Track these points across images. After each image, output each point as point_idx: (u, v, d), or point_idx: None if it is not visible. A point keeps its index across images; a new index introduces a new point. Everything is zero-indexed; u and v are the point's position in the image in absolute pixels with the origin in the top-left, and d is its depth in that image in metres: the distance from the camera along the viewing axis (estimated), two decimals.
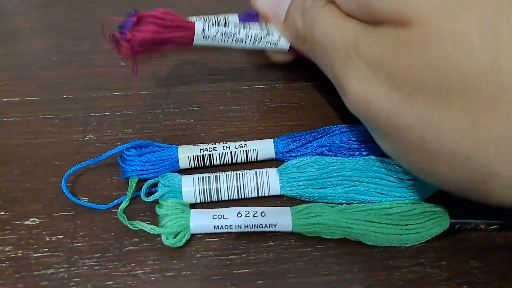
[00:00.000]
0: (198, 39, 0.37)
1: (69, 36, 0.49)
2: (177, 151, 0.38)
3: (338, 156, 0.38)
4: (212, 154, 0.38)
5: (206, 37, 0.36)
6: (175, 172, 0.38)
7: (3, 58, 0.47)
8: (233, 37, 0.37)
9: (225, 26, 0.37)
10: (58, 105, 0.43)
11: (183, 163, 0.38)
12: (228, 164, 0.39)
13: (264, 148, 0.39)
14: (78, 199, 0.36)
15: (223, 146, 0.38)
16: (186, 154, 0.38)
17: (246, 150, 0.38)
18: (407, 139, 0.28)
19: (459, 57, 0.23)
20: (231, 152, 0.38)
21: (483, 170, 0.26)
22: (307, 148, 0.39)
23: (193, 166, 0.38)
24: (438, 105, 0.25)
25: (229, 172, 0.36)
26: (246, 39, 0.37)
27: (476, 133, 0.24)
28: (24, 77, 0.45)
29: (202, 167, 0.39)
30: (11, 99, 0.43)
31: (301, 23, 0.35)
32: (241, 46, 0.38)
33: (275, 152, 0.39)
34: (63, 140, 0.40)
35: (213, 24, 0.37)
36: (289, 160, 0.38)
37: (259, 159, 0.39)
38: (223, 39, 0.37)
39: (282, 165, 0.37)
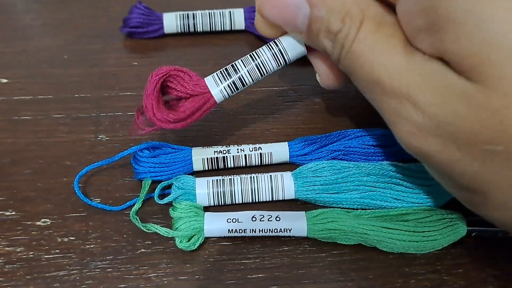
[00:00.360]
0: (220, 100, 0.36)
1: (82, 34, 0.49)
2: (191, 153, 0.37)
3: (353, 161, 0.38)
4: (226, 156, 0.38)
5: (224, 96, 0.36)
6: (189, 174, 0.37)
7: (15, 55, 0.47)
8: (248, 77, 0.36)
9: (236, 72, 0.35)
10: (69, 104, 0.42)
11: (197, 165, 0.37)
12: (242, 167, 0.38)
13: (279, 151, 0.38)
14: (90, 200, 0.36)
15: (238, 149, 0.38)
16: (200, 156, 0.37)
17: (260, 153, 0.38)
18: (465, 186, 0.27)
19: None
20: (245, 155, 0.38)
21: None
22: (322, 152, 0.38)
23: (207, 168, 0.38)
24: (505, 167, 0.25)
25: (244, 175, 0.36)
26: (261, 71, 0.36)
27: None
28: (36, 75, 0.45)
29: (216, 170, 0.38)
30: (23, 97, 0.43)
31: (331, 48, 0.30)
32: (261, 78, 0.36)
33: (289, 155, 0.38)
34: (75, 139, 0.40)
35: (224, 79, 0.35)
36: (303, 164, 0.38)
37: (273, 162, 0.39)
38: (241, 86, 0.36)
39: (297, 169, 0.36)
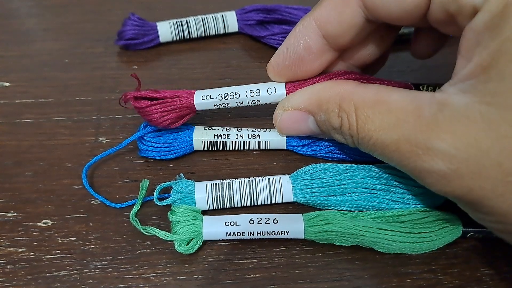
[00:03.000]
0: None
1: (83, 38, 0.50)
2: (192, 133, 0.39)
3: (348, 156, 0.39)
4: (226, 141, 0.39)
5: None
6: (189, 160, 0.39)
7: (17, 59, 0.47)
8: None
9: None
10: (71, 107, 0.43)
11: (197, 146, 0.39)
12: (240, 153, 0.40)
13: (276, 140, 0.39)
14: (91, 202, 0.36)
15: (237, 134, 0.39)
16: (200, 138, 0.39)
17: (258, 141, 0.39)
18: (495, 219, 0.28)
19: None
20: (243, 141, 0.39)
21: None
22: (318, 145, 0.39)
23: (206, 149, 0.39)
24: None
25: (242, 179, 0.36)
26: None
27: None
28: (38, 79, 0.45)
29: (215, 151, 0.40)
30: (25, 100, 0.43)
31: (344, 140, 0.33)
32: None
33: (286, 145, 0.39)
34: (76, 142, 0.40)
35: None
36: (300, 152, 0.39)
37: (270, 149, 0.40)
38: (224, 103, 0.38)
39: (295, 172, 0.37)
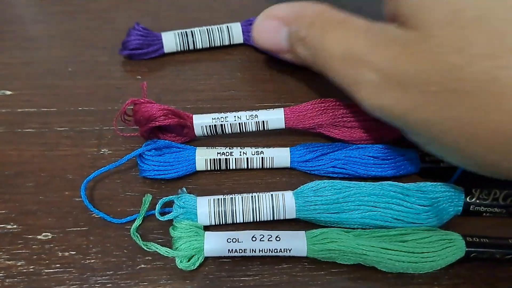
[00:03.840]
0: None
1: (87, 46, 0.49)
2: (194, 152, 0.38)
3: (352, 171, 0.38)
4: (229, 158, 0.38)
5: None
6: (191, 174, 0.39)
7: (20, 66, 0.47)
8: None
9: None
10: (73, 117, 0.43)
11: (200, 165, 0.38)
12: (243, 169, 0.39)
13: (280, 156, 0.39)
14: (91, 215, 0.36)
15: (240, 152, 0.39)
16: (203, 157, 0.38)
17: (262, 158, 0.39)
18: (427, 134, 0.30)
19: (462, 64, 0.26)
20: (247, 158, 0.38)
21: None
22: (322, 159, 0.39)
23: (209, 168, 0.39)
24: (445, 106, 0.28)
25: (245, 195, 0.36)
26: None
27: (473, 130, 0.28)
28: (40, 87, 0.45)
29: (218, 170, 0.39)
30: (27, 109, 0.43)
31: (304, 53, 0.37)
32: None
33: (290, 161, 0.39)
34: (78, 153, 0.40)
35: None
36: (304, 170, 0.39)
37: (274, 167, 0.39)
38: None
39: (298, 188, 0.36)
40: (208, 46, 0.49)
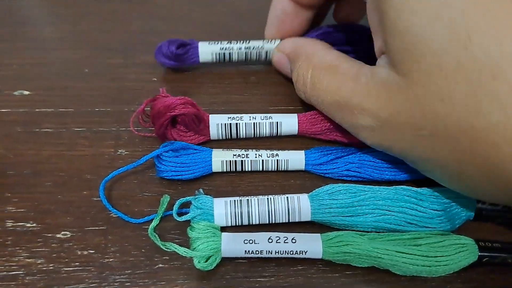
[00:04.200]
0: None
1: (102, 47, 0.50)
2: (211, 154, 0.39)
3: (366, 175, 0.39)
4: (244, 160, 0.39)
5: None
6: (207, 175, 0.39)
7: (36, 67, 0.48)
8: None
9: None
10: (90, 118, 0.43)
11: (216, 167, 0.39)
12: (258, 171, 0.40)
13: (295, 159, 0.39)
14: (109, 214, 0.37)
15: (256, 154, 0.39)
16: (219, 158, 0.39)
17: (277, 160, 0.39)
18: (423, 168, 0.34)
19: (445, 113, 0.28)
20: (262, 160, 0.39)
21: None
22: (337, 163, 0.39)
23: (225, 170, 0.39)
24: (436, 147, 0.30)
25: (261, 197, 0.36)
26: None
27: (460, 169, 0.30)
28: (57, 88, 0.46)
29: (234, 172, 0.40)
30: (44, 109, 0.43)
31: (304, 93, 0.40)
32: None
33: (305, 163, 0.39)
34: (95, 153, 0.41)
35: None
36: (318, 173, 0.40)
37: (289, 169, 0.40)
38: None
39: (313, 191, 0.37)
40: (244, 60, 0.48)
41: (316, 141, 0.42)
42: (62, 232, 0.36)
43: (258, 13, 0.54)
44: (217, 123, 0.40)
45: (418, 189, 0.37)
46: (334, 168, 0.39)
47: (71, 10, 0.54)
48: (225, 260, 0.35)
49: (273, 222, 0.36)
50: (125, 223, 0.37)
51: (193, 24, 0.53)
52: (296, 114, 0.41)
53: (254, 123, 0.40)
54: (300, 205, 0.36)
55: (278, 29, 0.46)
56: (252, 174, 0.40)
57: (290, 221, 0.36)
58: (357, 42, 0.46)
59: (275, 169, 0.39)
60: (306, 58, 0.39)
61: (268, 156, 0.39)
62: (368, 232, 0.36)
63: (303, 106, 0.45)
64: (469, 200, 0.37)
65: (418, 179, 0.39)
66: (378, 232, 0.36)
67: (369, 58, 0.37)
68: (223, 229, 0.36)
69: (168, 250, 0.33)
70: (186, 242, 0.35)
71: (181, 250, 0.33)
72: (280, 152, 0.39)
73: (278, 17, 0.45)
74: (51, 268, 0.34)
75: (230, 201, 0.36)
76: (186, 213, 0.36)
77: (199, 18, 0.54)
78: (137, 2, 0.56)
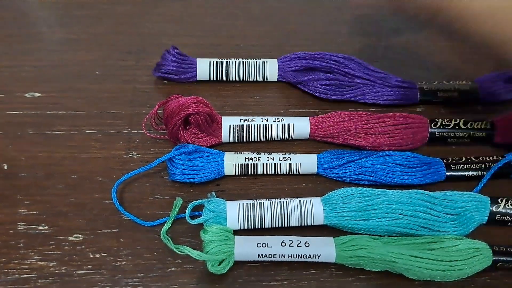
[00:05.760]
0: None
1: (113, 50, 0.50)
2: (223, 157, 0.39)
3: (379, 179, 0.39)
4: (257, 164, 0.39)
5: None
6: (220, 178, 0.39)
7: (48, 69, 0.47)
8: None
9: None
10: (101, 120, 0.43)
11: (228, 170, 0.39)
12: (270, 175, 0.40)
13: (308, 162, 0.39)
14: (121, 217, 0.37)
15: (268, 157, 0.39)
16: (231, 162, 0.39)
17: (289, 163, 0.39)
18: None
19: None
20: (274, 164, 0.39)
21: None
22: (349, 166, 0.39)
23: (237, 173, 0.39)
24: None
25: (273, 200, 0.36)
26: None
27: None
28: (68, 90, 0.46)
29: (246, 175, 0.40)
30: (56, 112, 0.43)
31: None
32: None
33: (317, 167, 0.39)
34: (107, 156, 0.41)
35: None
36: (330, 177, 0.40)
37: (301, 173, 0.40)
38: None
39: (326, 194, 0.37)
40: (242, 79, 0.47)
41: (328, 144, 0.42)
42: (75, 235, 0.36)
43: (270, 17, 0.54)
44: (230, 124, 0.40)
45: (432, 193, 0.37)
46: (346, 172, 0.39)
47: (85, 12, 0.54)
48: (237, 264, 0.35)
49: (286, 225, 0.36)
50: (137, 226, 0.36)
51: (204, 28, 0.53)
52: (308, 117, 0.41)
53: (266, 125, 0.40)
54: (313, 209, 0.36)
55: None
56: (264, 177, 0.40)
57: (303, 224, 0.36)
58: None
59: (287, 173, 0.39)
60: None
61: (281, 159, 0.39)
62: (381, 236, 0.36)
63: (315, 110, 0.45)
64: (482, 204, 0.36)
65: (430, 183, 0.39)
66: (391, 236, 0.36)
67: None
68: (236, 232, 0.36)
69: (182, 253, 0.33)
70: (198, 245, 0.35)
71: (195, 254, 0.33)
72: (292, 156, 0.39)
73: None
74: (64, 271, 0.34)
75: (243, 204, 0.36)
76: (198, 216, 0.36)
77: (211, 21, 0.54)
78: (150, 5, 0.55)
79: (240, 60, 0.47)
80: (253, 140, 0.41)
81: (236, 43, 0.51)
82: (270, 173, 0.39)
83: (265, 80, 0.47)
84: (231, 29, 0.53)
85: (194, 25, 0.53)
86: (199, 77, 0.47)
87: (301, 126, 0.41)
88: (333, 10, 0.56)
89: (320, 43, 0.52)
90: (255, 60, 0.47)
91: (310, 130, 0.41)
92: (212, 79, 0.47)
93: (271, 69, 0.47)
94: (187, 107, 0.38)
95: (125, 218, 0.37)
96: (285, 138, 0.42)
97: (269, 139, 0.42)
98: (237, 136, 0.41)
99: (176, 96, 0.39)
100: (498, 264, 0.34)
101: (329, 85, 0.45)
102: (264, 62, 0.47)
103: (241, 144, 0.42)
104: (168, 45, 0.48)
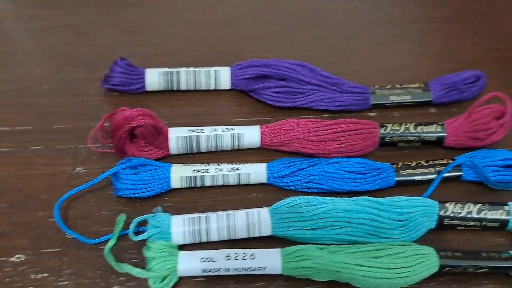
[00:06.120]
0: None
1: (64, 62, 0.49)
2: (170, 170, 0.38)
3: (328, 186, 0.39)
4: (205, 176, 0.38)
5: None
6: (167, 191, 0.38)
7: None
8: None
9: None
10: (48, 135, 0.42)
11: (175, 183, 0.38)
12: (219, 186, 0.39)
13: (257, 172, 0.39)
14: (65, 235, 0.36)
15: (216, 168, 0.38)
16: (178, 174, 0.38)
17: (238, 174, 0.39)
18: None
19: None
20: (223, 175, 0.38)
21: None
22: (299, 175, 0.39)
23: (184, 186, 0.39)
24: None
25: (220, 212, 0.36)
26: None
27: None
28: (16, 105, 0.45)
29: (194, 187, 0.39)
30: (2, 128, 0.43)
31: None
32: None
33: (267, 177, 0.39)
34: (53, 172, 0.40)
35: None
36: (281, 185, 0.39)
37: (251, 183, 0.39)
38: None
39: (274, 205, 0.36)
40: (193, 88, 0.47)
41: (280, 153, 0.42)
42: (17, 256, 0.35)
43: (226, 24, 0.54)
44: (177, 135, 0.39)
45: (379, 200, 0.36)
46: (295, 181, 0.39)
47: (36, 25, 0.53)
48: (182, 279, 0.34)
49: (233, 238, 0.36)
50: (81, 243, 0.36)
51: (159, 36, 0.53)
52: (258, 126, 0.41)
53: (215, 135, 0.40)
54: (260, 220, 0.36)
55: None
56: (213, 189, 0.39)
57: (251, 236, 0.36)
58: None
59: (237, 183, 0.39)
60: None
61: (229, 170, 0.38)
62: (330, 244, 0.36)
63: (268, 118, 0.45)
64: (430, 209, 0.36)
65: (380, 189, 0.39)
66: (340, 245, 0.35)
67: None
68: (181, 247, 0.35)
69: (123, 271, 0.33)
70: (144, 262, 0.34)
71: (135, 271, 0.32)
72: (241, 166, 0.39)
73: None
74: None
75: (188, 218, 0.35)
76: (144, 231, 0.35)
77: (166, 30, 0.54)
78: (102, 15, 0.55)
79: (191, 69, 0.46)
80: (202, 151, 0.41)
81: (191, 51, 0.51)
82: (219, 184, 0.39)
83: (217, 88, 0.47)
84: (186, 37, 0.52)
85: (149, 35, 0.53)
86: (148, 88, 0.46)
87: (251, 135, 0.40)
88: (289, 15, 0.56)
89: (277, 49, 0.52)
90: (206, 69, 0.46)
91: (261, 139, 0.41)
92: (162, 89, 0.46)
93: (223, 77, 0.46)
94: (132, 119, 0.37)
95: (69, 236, 0.36)
96: (236, 148, 0.41)
97: (220, 149, 0.41)
98: (186, 147, 0.40)
99: (123, 108, 0.39)
100: (445, 269, 0.34)
101: (281, 92, 0.45)
102: (215, 71, 0.46)
103: (191, 155, 0.41)
104: (120, 56, 0.47)
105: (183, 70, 0.46)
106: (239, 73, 0.46)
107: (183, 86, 0.46)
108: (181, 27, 0.54)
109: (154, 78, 0.46)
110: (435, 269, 0.34)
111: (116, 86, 0.46)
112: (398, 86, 0.46)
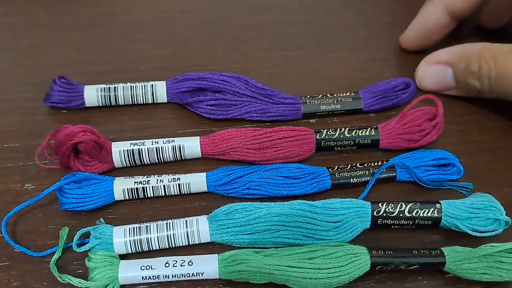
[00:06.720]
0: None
1: (15, 83, 0.50)
2: (113, 183, 0.40)
3: (266, 192, 0.40)
4: (146, 187, 0.40)
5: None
6: (111, 204, 0.40)
7: None
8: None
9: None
10: None
11: (118, 195, 0.40)
12: (162, 196, 0.41)
13: (197, 181, 0.40)
14: (13, 250, 0.37)
15: (157, 179, 0.40)
16: (121, 187, 0.40)
17: (179, 184, 0.40)
18: None
19: None
20: (164, 185, 0.40)
21: None
22: (238, 182, 0.40)
23: (127, 198, 0.40)
24: None
25: (160, 222, 0.37)
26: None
27: None
28: None
29: (137, 199, 0.41)
30: None
31: (479, 83, 0.44)
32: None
33: (207, 185, 0.40)
34: (2, 190, 0.41)
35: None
36: (222, 193, 0.41)
37: (192, 192, 0.41)
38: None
39: (212, 212, 0.38)
40: (131, 103, 0.48)
41: (223, 162, 0.43)
42: None
43: (173, 39, 0.55)
44: (120, 149, 0.41)
45: (313, 203, 0.38)
46: (235, 188, 0.40)
47: None
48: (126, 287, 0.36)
49: (173, 246, 0.37)
50: (29, 257, 0.37)
51: (108, 55, 0.54)
52: (198, 137, 0.42)
53: (156, 147, 0.41)
54: (199, 227, 0.37)
55: (425, 38, 0.52)
56: (157, 199, 0.41)
57: (190, 243, 0.37)
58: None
59: (178, 193, 0.40)
60: (482, 50, 0.44)
61: (170, 180, 0.40)
62: (268, 248, 0.37)
63: (212, 128, 0.46)
64: (363, 210, 0.38)
65: (317, 192, 0.40)
66: (277, 247, 0.37)
67: None
68: (125, 257, 0.36)
69: (64, 281, 0.34)
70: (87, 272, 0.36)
71: (76, 281, 0.34)
72: (181, 176, 0.40)
73: (429, 28, 0.50)
74: None
75: (129, 228, 0.37)
76: (87, 243, 0.36)
77: (115, 48, 0.55)
78: (53, 36, 0.56)
79: (128, 84, 0.48)
80: (145, 163, 0.42)
81: (138, 67, 0.52)
82: (161, 194, 0.40)
83: (155, 102, 0.48)
84: (134, 54, 0.54)
85: (98, 53, 0.54)
86: (87, 104, 0.47)
87: (191, 146, 0.42)
88: (236, 28, 0.58)
89: (223, 62, 0.54)
90: (143, 84, 0.48)
91: (201, 149, 0.42)
92: (101, 104, 0.47)
93: (160, 91, 0.48)
94: (74, 136, 0.39)
95: (17, 251, 0.37)
96: (178, 159, 0.42)
97: (162, 161, 0.42)
98: (129, 160, 0.41)
99: (65, 126, 0.40)
100: (377, 267, 0.36)
101: (214, 105, 0.46)
102: (152, 85, 0.48)
103: (136, 168, 0.43)
104: (71, 75, 0.49)
105: (120, 85, 0.47)
106: (175, 86, 0.47)
107: (121, 101, 0.47)
108: (130, 45, 0.55)
109: (92, 94, 0.47)
110: (366, 267, 0.35)
111: (56, 103, 0.47)
112: (329, 95, 0.48)
